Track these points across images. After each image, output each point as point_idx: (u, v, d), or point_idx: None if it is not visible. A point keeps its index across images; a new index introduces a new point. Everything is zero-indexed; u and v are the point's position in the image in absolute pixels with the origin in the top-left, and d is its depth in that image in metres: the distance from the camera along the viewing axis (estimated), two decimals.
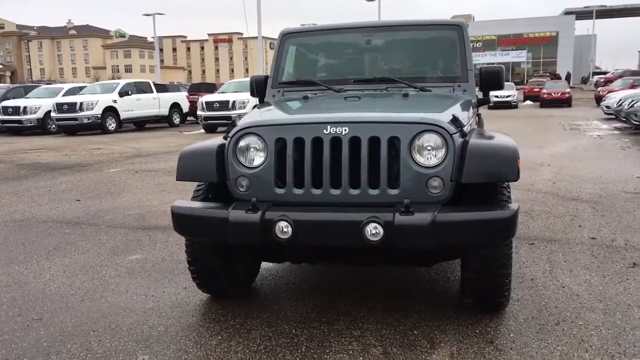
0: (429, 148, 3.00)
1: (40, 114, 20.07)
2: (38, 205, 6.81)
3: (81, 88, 21.95)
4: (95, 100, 19.28)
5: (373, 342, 3.01)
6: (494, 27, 58.30)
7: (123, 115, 19.96)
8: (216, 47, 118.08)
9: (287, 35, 4.60)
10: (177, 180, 3.32)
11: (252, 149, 3.18)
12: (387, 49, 4.52)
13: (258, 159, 3.15)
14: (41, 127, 20.07)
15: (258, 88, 4.52)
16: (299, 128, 3.10)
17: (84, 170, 9.89)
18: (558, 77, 44.02)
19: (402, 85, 4.09)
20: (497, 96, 31.22)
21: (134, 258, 4.56)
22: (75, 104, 18.97)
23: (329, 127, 3.04)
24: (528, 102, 34.90)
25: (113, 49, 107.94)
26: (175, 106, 22.26)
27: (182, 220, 3.16)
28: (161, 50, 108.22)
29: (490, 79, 4.21)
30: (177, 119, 22.40)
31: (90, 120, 18.93)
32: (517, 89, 33.99)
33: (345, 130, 3.01)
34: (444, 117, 3.08)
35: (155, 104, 21.30)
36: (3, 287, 3.95)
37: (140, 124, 21.68)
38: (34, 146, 15.06)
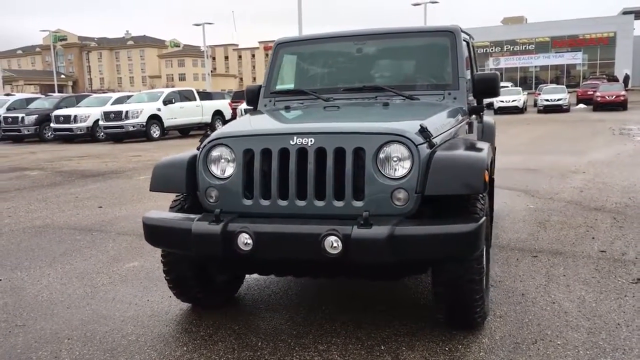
0: (394, 159, 2.93)
1: (89, 122, 20.84)
2: (60, 212, 7.05)
3: (129, 97, 22.68)
4: (140, 108, 19.87)
5: (336, 357, 2.95)
6: (548, 28, 56.56)
7: (167, 123, 20.49)
8: (267, 55, 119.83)
9: (281, 45, 4.61)
10: (150, 190, 3.36)
11: (222, 160, 3.19)
12: (378, 57, 4.45)
13: (228, 170, 3.16)
14: (90, 135, 20.84)
15: (251, 97, 4.54)
16: (266, 139, 3.09)
17: (115, 177, 10.19)
18: (615, 80, 42.22)
19: (391, 93, 4.02)
20: (547, 100, 30.41)
21: (130, 265, 4.65)
22: (121, 112, 19.62)
23: (295, 137, 3.01)
24: (581, 105, 33.68)
25: (168, 58, 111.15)
26: (218, 113, 22.69)
27: (151, 231, 3.20)
28: (213, 58, 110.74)
29: (484, 86, 4.07)
30: (219, 126, 22.78)
31: (135, 128, 19.52)
32: (569, 92, 32.92)
33: (311, 141, 2.98)
34: (410, 128, 3.00)
35: (198, 111, 21.76)
36: (0, 292, 4.11)
37: (185, 131, 22.20)
38: (78, 153, 15.64)
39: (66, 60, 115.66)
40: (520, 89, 34.46)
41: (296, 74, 4.64)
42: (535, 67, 58.50)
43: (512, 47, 58.30)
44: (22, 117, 21.71)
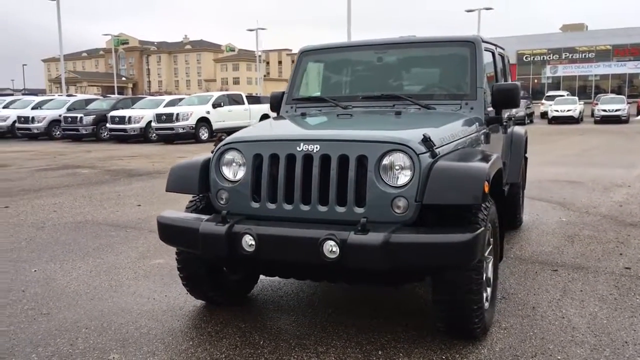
0: (396, 167, 2.99)
1: (142, 124, 21.55)
2: (102, 209, 7.39)
3: (181, 99, 23.36)
4: (190, 111, 20.43)
5: (329, 359, 3.02)
6: (609, 36, 54.62)
7: (215, 125, 20.95)
8: None
9: (305, 53, 4.72)
10: (165, 191, 3.53)
11: (234, 164, 3.32)
12: (398, 66, 4.49)
13: (239, 173, 3.28)
14: (143, 136, 21.54)
15: (275, 103, 4.67)
16: (275, 145, 3.21)
17: (159, 177, 10.55)
18: None
19: (408, 102, 4.06)
20: (604, 110, 29.39)
21: (156, 262, 4.85)
22: (172, 114, 20.22)
23: (301, 144, 3.11)
24: None
25: (223, 62, 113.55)
26: (265, 117, 23.03)
27: (164, 230, 3.36)
28: (267, 63, 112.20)
29: (503, 96, 4.05)
30: None
31: (184, 130, 20.07)
32: (631, 102, 31.70)
33: (316, 147, 3.07)
34: (413, 137, 3.04)
35: (246, 115, 22.17)
36: (33, 282, 4.38)
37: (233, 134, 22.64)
38: (129, 153, 16.24)
39: (127, 63, 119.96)
40: (576, 98, 33.46)
41: (319, 81, 4.75)
42: (595, 76, 56.56)
43: (571, 55, 56.62)
44: (81, 117, 22.66)
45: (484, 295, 3.24)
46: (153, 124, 20.79)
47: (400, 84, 4.42)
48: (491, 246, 3.42)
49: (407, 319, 3.52)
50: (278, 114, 4.60)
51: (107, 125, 22.03)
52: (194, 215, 3.41)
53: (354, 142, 3.06)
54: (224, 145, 3.37)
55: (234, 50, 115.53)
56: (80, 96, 30.98)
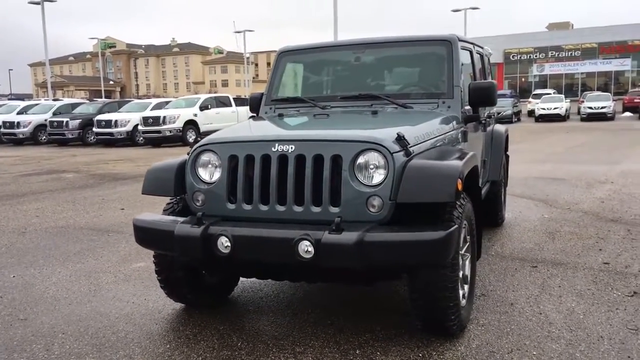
0: (371, 167, 2.99)
1: (129, 127, 21.42)
2: (85, 213, 7.34)
3: (167, 102, 23.26)
4: (177, 114, 20.36)
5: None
6: (595, 34, 54.99)
7: (203, 128, 20.85)
8: None
9: (284, 54, 4.72)
10: (142, 193, 3.52)
11: (210, 165, 3.31)
12: (376, 66, 4.50)
13: (214, 175, 3.27)
14: (130, 139, 21.42)
15: (254, 105, 4.66)
16: (250, 145, 3.20)
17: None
18: None
19: (386, 102, 4.07)
20: (590, 107, 29.64)
21: (137, 266, 4.83)
22: (159, 117, 20.15)
23: (276, 145, 3.11)
24: (627, 113, 32.59)
25: (211, 65, 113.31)
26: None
27: (140, 233, 3.34)
28: (256, 65, 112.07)
29: (479, 94, 4.06)
30: None
31: (171, 133, 19.99)
32: (617, 100, 31.96)
33: (291, 148, 3.07)
34: (387, 136, 3.05)
35: (233, 117, 22.08)
36: (10, 287, 4.34)
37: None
38: (115, 157, 16.15)
39: (115, 66, 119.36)
40: (562, 96, 33.70)
41: (298, 82, 4.75)
42: (582, 73, 56.90)
43: (557, 54, 56.94)
44: (67, 122, 22.51)
45: (461, 292, 3.25)
46: (140, 127, 20.69)
47: (378, 83, 4.43)
48: (468, 244, 3.43)
49: (386, 318, 3.53)
50: (257, 115, 4.59)
51: (94, 129, 21.89)
52: (170, 217, 3.39)
53: (328, 142, 3.06)
54: (199, 146, 3.36)
55: (222, 53, 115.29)
56: (67, 100, 30.85)
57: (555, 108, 30.22)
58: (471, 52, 4.78)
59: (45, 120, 23.50)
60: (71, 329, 3.52)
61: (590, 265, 4.51)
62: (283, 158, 3.07)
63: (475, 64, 4.86)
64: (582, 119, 29.61)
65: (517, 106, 32.14)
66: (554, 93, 37.13)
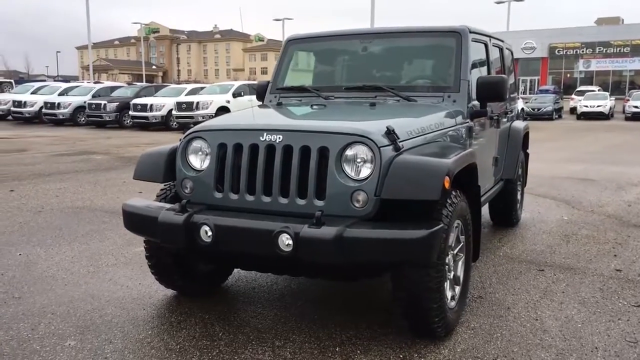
0: (358, 160, 2.91)
1: (164, 112, 21.71)
2: (103, 195, 7.45)
3: (202, 88, 23.48)
4: (210, 100, 20.52)
5: (287, 355, 2.96)
6: None
7: None
8: None
9: (292, 42, 4.64)
10: (133, 178, 3.52)
11: (200, 153, 3.28)
12: (383, 57, 4.37)
13: (204, 162, 3.24)
14: (164, 124, 21.74)
15: (260, 92, 4.61)
16: (239, 134, 3.15)
17: None
18: None
19: (390, 94, 3.96)
20: (635, 106, 28.53)
21: (139, 250, 4.83)
22: (192, 103, 20.35)
23: (265, 134, 3.05)
24: None
25: (252, 52, 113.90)
26: None
27: (127, 218, 3.33)
28: None
29: (487, 89, 3.90)
30: None
31: (204, 119, 20.07)
32: None
33: (279, 138, 3.01)
34: (376, 129, 2.95)
35: None
36: (14, 266, 4.42)
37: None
38: (148, 141, 16.39)
39: (158, 51, 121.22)
40: (607, 93, 32.57)
41: (303, 70, 4.67)
42: (630, 71, 54.86)
43: (605, 49, 54.96)
44: (104, 104, 22.96)
45: (449, 294, 3.14)
46: (174, 112, 20.95)
47: (384, 74, 4.30)
48: (463, 244, 3.31)
49: (376, 316, 3.44)
50: (262, 103, 4.54)
51: (130, 112, 22.28)
52: (157, 204, 3.37)
53: (315, 133, 2.98)
54: (190, 133, 3.33)
55: (262, 40, 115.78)
56: (107, 83, 31.43)
57: (598, 106, 29.22)
58: (486, 45, 4.59)
59: (85, 102, 24.05)
60: (61, 309, 3.56)
61: (601, 272, 4.31)
62: (271, 148, 3.01)
63: (491, 58, 4.66)
64: (627, 118, 28.55)
65: (558, 102, 31.23)
66: (598, 90, 35.89)
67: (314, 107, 3.83)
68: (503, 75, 4.13)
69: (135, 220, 3.28)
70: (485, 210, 5.83)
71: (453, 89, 3.92)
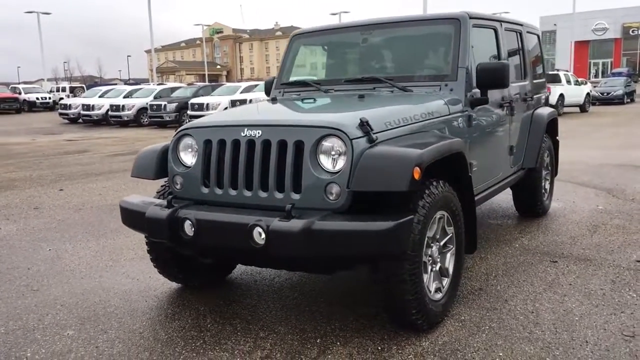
0: (332, 153, 2.92)
1: (220, 109, 22.34)
2: (143, 193, 7.75)
3: (255, 86, 23.91)
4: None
5: (264, 345, 3.02)
6: None
7: None
8: None
9: (296, 37, 4.68)
10: (130, 176, 3.67)
11: (189, 150, 3.39)
12: (382, 47, 4.33)
13: (193, 159, 3.35)
14: None
15: (268, 88, 4.69)
16: (222, 130, 3.23)
17: None
18: None
19: (388, 85, 3.93)
20: None
21: None
22: (245, 101, 20.80)
23: (245, 129, 3.12)
24: None
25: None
26: None
27: (122, 214, 3.50)
28: None
29: (487, 76, 3.78)
30: None
31: None
32: None
33: (258, 133, 3.07)
34: (349, 121, 2.95)
35: None
36: (41, 260, 4.70)
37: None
38: None
39: (222, 51, 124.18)
40: None
41: (306, 65, 4.71)
42: None
43: None
44: (165, 105, 23.79)
45: (432, 286, 3.10)
46: (188, 111, 21.74)
47: (383, 65, 4.27)
48: (451, 235, 3.25)
49: (366, 308, 3.43)
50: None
51: (188, 112, 23.01)
52: (150, 200, 3.51)
53: (291, 127, 3.02)
54: (180, 131, 3.44)
55: None
56: (168, 84, 32.54)
57: None
58: (496, 31, 4.45)
59: (147, 103, 25.04)
60: (70, 301, 3.77)
61: (619, 263, 4.10)
62: (251, 143, 3.08)
63: (501, 43, 4.51)
64: None
65: (630, 85, 29.57)
66: None
67: (305, 101, 3.85)
68: (504, 61, 4.00)
69: (128, 216, 3.43)
70: (510, 201, 5.67)
71: (450, 77, 3.84)
